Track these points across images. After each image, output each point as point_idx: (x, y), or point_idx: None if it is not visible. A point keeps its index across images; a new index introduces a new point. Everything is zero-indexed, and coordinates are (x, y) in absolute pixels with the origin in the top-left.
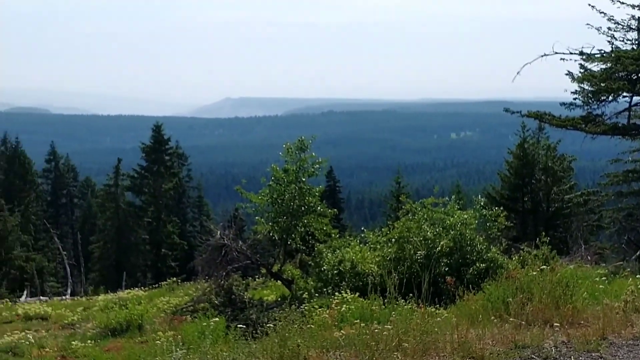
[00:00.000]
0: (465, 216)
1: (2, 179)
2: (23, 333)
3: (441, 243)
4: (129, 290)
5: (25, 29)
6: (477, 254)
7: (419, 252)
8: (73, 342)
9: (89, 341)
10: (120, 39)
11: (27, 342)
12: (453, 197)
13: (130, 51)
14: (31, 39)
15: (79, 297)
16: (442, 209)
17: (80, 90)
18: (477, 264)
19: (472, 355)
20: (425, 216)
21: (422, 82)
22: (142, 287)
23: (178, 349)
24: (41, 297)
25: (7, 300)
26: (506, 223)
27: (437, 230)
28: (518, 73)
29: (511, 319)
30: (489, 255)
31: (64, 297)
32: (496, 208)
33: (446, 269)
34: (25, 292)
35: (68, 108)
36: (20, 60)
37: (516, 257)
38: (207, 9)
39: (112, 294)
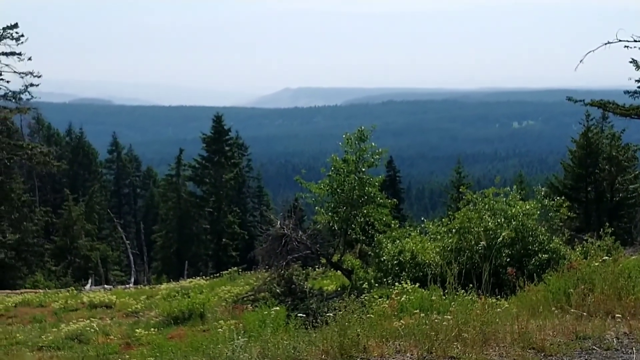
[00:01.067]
0: (527, 206)
1: (67, 169)
2: (88, 321)
3: (503, 234)
4: (190, 279)
5: (89, 22)
6: (539, 245)
7: (480, 243)
8: (137, 330)
9: (152, 329)
10: (182, 31)
11: (92, 330)
12: (515, 187)
13: (191, 42)
14: (95, 31)
15: (142, 286)
16: (504, 199)
17: (142, 81)
18: (539, 255)
19: (533, 346)
20: (486, 206)
21: (484, 71)
22: (204, 276)
23: (240, 337)
24: (105, 286)
25: (73, 288)
26: (569, 213)
27: (499, 220)
28: (581, 61)
29: (572, 310)
30: (551, 246)
31: (127, 286)
32: (559, 198)
33: (507, 259)
34: (90, 281)
35: (130, 99)
36: (84, 52)
37: (579, 248)
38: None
39: (174, 282)
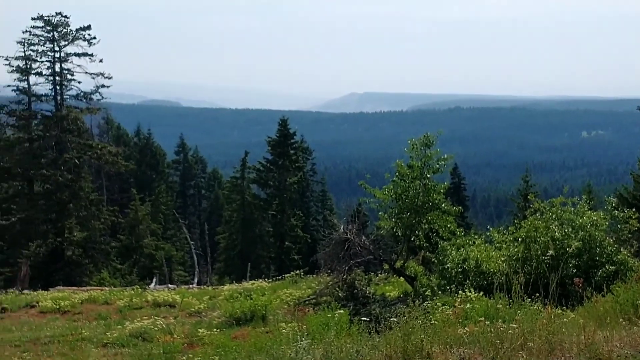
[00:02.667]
0: (596, 217)
1: (134, 169)
2: (152, 319)
3: (571, 244)
4: (253, 281)
5: (160, 24)
6: (607, 256)
7: (547, 253)
8: (200, 330)
9: (214, 329)
10: (250, 34)
11: (156, 328)
12: (583, 197)
13: (257, 46)
14: (165, 33)
15: (205, 286)
16: (572, 209)
17: (209, 84)
18: (607, 266)
19: (599, 357)
20: (553, 216)
21: (554, 78)
22: (266, 279)
23: (303, 339)
24: (169, 285)
25: (138, 286)
26: (638, 225)
27: (566, 230)
28: None
29: None
30: (618, 257)
31: (190, 286)
32: (628, 209)
33: (574, 270)
34: (154, 280)
35: (197, 101)
36: (154, 54)
37: None
38: (333, 4)
39: (236, 284)
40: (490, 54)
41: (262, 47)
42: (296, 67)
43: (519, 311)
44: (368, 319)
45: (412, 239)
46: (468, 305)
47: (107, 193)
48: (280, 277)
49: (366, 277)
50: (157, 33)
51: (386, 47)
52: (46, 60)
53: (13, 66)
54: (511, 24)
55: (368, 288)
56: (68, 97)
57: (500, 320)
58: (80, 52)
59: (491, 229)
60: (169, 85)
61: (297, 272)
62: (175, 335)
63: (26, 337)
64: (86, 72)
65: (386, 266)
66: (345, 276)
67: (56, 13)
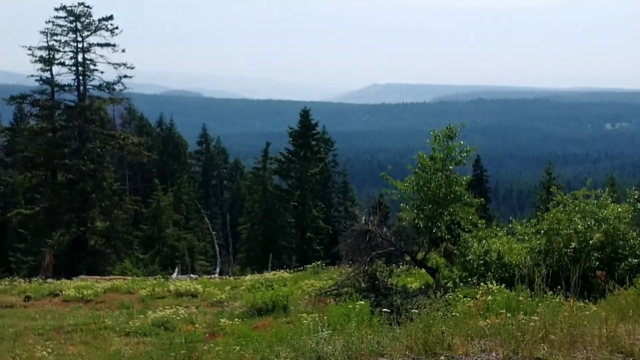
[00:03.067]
0: (619, 209)
1: (157, 159)
2: (174, 309)
3: (593, 237)
4: (274, 272)
5: (182, 14)
6: (630, 249)
7: (570, 245)
8: (221, 320)
9: (236, 319)
10: (273, 24)
11: (178, 318)
12: (606, 189)
13: (280, 36)
14: (187, 24)
15: (227, 276)
16: (595, 201)
17: (231, 74)
18: (630, 259)
19: (621, 350)
20: (576, 208)
21: (577, 70)
22: (288, 269)
23: (324, 330)
24: (191, 275)
25: (160, 276)
26: None
27: (589, 223)
28: None
29: None
30: None
31: (212, 276)
32: None
33: (597, 263)
34: (176, 269)
35: (219, 92)
36: (176, 44)
37: None
38: None
39: (258, 274)
40: (513, 44)
41: (284, 38)
42: (318, 58)
43: (540, 304)
44: (389, 310)
45: (433, 231)
46: (490, 298)
47: (130, 183)
48: (301, 267)
49: (387, 268)
50: (179, 24)
51: (408, 38)
52: (69, 51)
53: (36, 56)
54: (533, 15)
55: (389, 279)
56: (91, 87)
57: (521, 312)
58: (103, 42)
59: (513, 221)
60: (191, 76)
61: (319, 263)
62: (197, 325)
63: (49, 326)
64: (109, 63)
65: (408, 258)
66: (366, 267)
67: (79, 3)
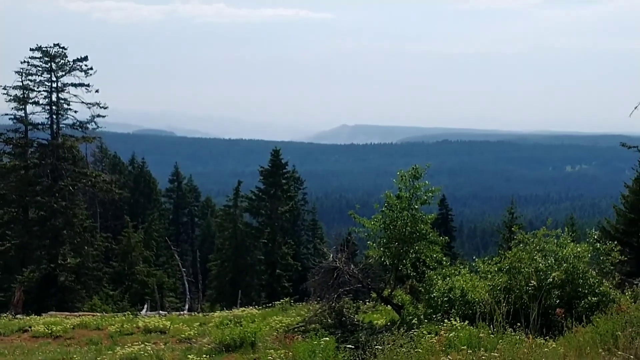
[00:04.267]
0: (579, 249)
1: (128, 197)
2: (143, 345)
3: (553, 275)
4: (243, 308)
5: (154, 53)
6: (589, 287)
7: (530, 283)
8: (189, 356)
9: (204, 355)
10: (245, 65)
11: (146, 354)
12: (566, 229)
13: (253, 76)
14: (159, 63)
15: (196, 313)
16: (555, 240)
17: (203, 113)
18: (589, 298)
19: None
20: (537, 247)
21: (539, 113)
22: (257, 306)
23: None
24: (160, 312)
25: (129, 312)
26: (620, 257)
27: (549, 261)
28: (636, 107)
29: (620, 353)
30: (601, 289)
31: (181, 312)
32: (610, 242)
33: (557, 301)
34: (145, 306)
35: (192, 131)
36: (148, 83)
37: (629, 292)
38: (326, 39)
39: (227, 311)
40: (478, 89)
41: (256, 78)
42: (289, 99)
43: (501, 340)
44: (354, 347)
45: (399, 268)
46: (452, 334)
47: (101, 220)
48: (270, 304)
49: (354, 305)
50: (152, 63)
51: (377, 81)
52: (43, 90)
53: (11, 95)
54: (497, 59)
55: (356, 316)
56: (64, 126)
57: (482, 349)
58: (77, 82)
59: (477, 259)
60: (164, 115)
61: (287, 299)
62: None
63: None
64: (82, 102)
65: (374, 295)
66: (333, 304)
67: (54, 44)
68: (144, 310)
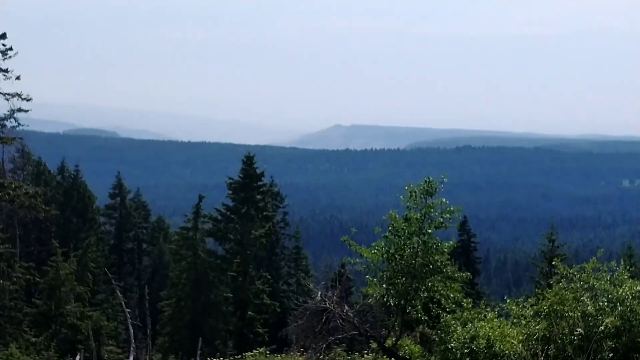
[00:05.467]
0: (639, 287)
1: (57, 215)
2: None
3: (605, 321)
4: None
5: (94, 35)
6: None
7: (575, 331)
8: None
9: None
10: (210, 49)
11: None
12: (622, 262)
13: (221, 63)
14: (101, 47)
15: None
16: (608, 277)
17: (156, 110)
18: None
19: None
20: (585, 285)
21: (588, 113)
22: (222, 358)
23: None
24: None
25: None
26: None
27: (601, 304)
28: None
29: None
30: None
31: None
32: None
33: (610, 354)
34: (78, 357)
35: (141, 131)
36: (86, 72)
37: None
38: (314, 17)
39: None
40: (508, 81)
41: (226, 67)
42: (267, 92)
43: None
44: None
45: (407, 311)
46: None
47: (21, 245)
48: (240, 356)
49: (349, 357)
50: (93, 45)
51: (379, 70)
52: None
53: None
54: (535, 44)
55: None
56: None
57: None
58: None
59: (507, 300)
60: (105, 111)
61: (262, 350)
62: None
63: None
64: None
65: (374, 344)
66: (322, 356)
67: None
68: None
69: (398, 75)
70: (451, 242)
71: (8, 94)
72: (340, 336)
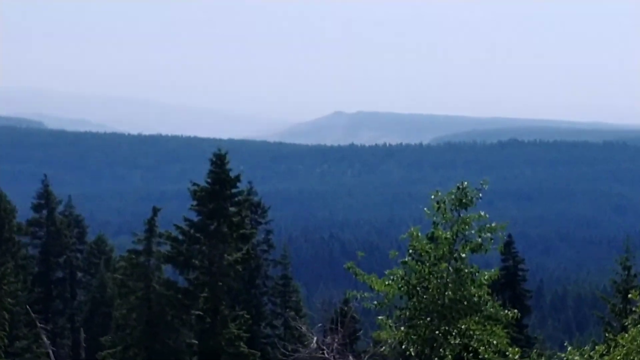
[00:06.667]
0: None
1: None
2: None
3: None
4: None
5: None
6: None
7: None
8: None
9: None
10: (166, 15)
11: None
12: None
13: (182, 34)
14: (25, 12)
15: None
16: None
17: (95, 93)
18: None
19: None
20: None
21: None
22: None
23: None
24: None
25: None
26: None
27: None
28: None
29: None
30: None
31: None
32: None
33: None
34: None
35: (75, 121)
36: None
37: None
38: None
39: None
40: (566, 55)
41: (189, 37)
42: (244, 69)
43: None
44: None
45: None
46: None
47: None
48: None
49: None
50: (14, 11)
51: (394, 38)
52: None
53: None
54: (599, 9)
55: None
56: None
57: None
58: None
59: (568, 348)
60: (27, 94)
61: None
62: None
63: None
64: None
65: None
66: None
67: None
68: None
69: (419, 46)
70: (493, 270)
71: None
72: None
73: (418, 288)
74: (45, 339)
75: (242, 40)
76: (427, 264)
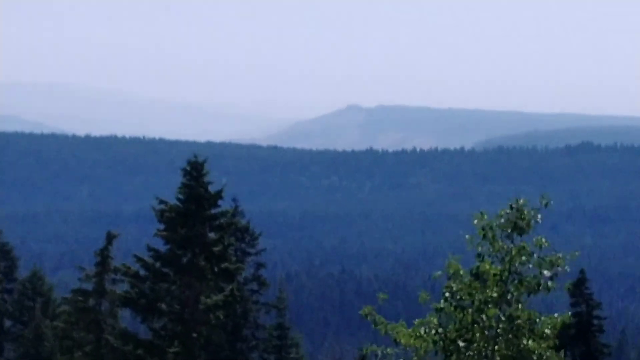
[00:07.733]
0: None
1: None
2: None
3: None
4: None
5: None
6: None
7: None
8: None
9: None
10: None
11: None
12: None
13: (153, 7)
14: None
15: None
16: None
17: (33, 81)
18: None
19: None
20: None
21: None
22: None
23: None
24: None
25: None
26: None
27: None
28: None
29: None
30: None
31: None
32: None
33: None
34: None
35: (4, 118)
36: None
37: None
38: None
39: None
40: None
41: (163, 10)
42: (229, 52)
43: None
44: None
45: None
46: None
47: None
48: None
49: None
50: None
51: (423, 13)
52: None
53: None
54: None
55: None
56: None
57: None
58: None
59: None
60: None
61: None
62: None
63: None
64: None
65: None
66: None
67: None
68: None
69: (460, 20)
70: (562, 316)
71: None
72: None
73: (458, 342)
74: None
75: (220, 13)
76: (470, 310)
